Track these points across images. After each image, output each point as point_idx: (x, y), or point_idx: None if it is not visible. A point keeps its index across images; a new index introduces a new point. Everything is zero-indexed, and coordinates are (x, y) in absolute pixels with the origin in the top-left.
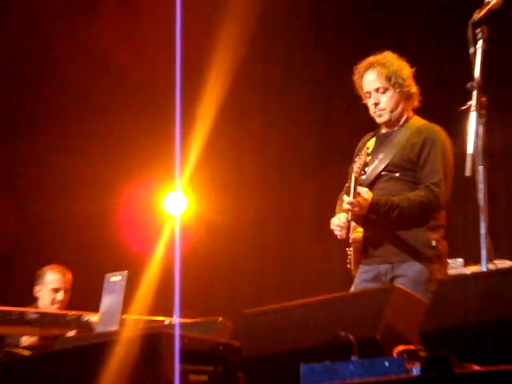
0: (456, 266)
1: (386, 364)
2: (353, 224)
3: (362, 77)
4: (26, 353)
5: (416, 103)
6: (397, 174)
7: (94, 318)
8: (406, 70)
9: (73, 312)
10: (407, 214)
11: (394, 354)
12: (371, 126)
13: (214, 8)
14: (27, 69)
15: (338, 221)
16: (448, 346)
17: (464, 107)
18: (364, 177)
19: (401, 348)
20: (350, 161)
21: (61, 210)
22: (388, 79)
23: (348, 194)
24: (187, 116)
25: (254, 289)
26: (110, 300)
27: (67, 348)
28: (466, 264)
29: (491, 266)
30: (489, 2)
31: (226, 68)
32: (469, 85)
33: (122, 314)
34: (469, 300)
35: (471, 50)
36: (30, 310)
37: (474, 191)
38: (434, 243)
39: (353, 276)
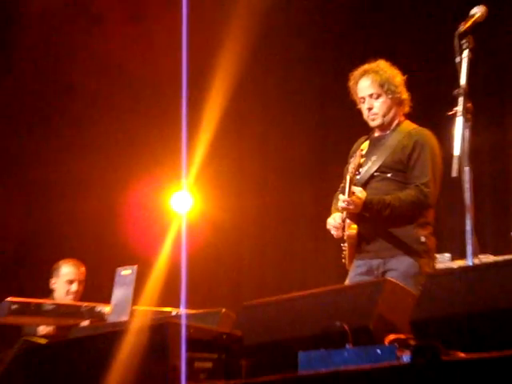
0: (443, 261)
1: (379, 352)
2: (347, 221)
3: (356, 83)
4: (43, 341)
5: (407, 108)
6: (389, 175)
7: (106, 309)
8: (397, 78)
9: (86, 303)
10: (398, 212)
11: (386, 343)
12: (365, 129)
13: (218, 19)
14: (42, 75)
15: (333, 221)
16: (436, 334)
17: (451, 112)
18: (358, 177)
19: (392, 337)
20: (345, 162)
21: (74, 209)
22: (381, 86)
23: (343, 194)
24: (193, 120)
25: (255, 282)
26: (120, 292)
27: (81, 337)
28: (453, 258)
29: (476, 261)
30: (474, 15)
31: (230, 76)
32: (455, 92)
33: (132, 305)
34: (455, 292)
35: (457, 60)
36: (46, 302)
37: (461, 191)
38: (423, 239)
39: (347, 270)
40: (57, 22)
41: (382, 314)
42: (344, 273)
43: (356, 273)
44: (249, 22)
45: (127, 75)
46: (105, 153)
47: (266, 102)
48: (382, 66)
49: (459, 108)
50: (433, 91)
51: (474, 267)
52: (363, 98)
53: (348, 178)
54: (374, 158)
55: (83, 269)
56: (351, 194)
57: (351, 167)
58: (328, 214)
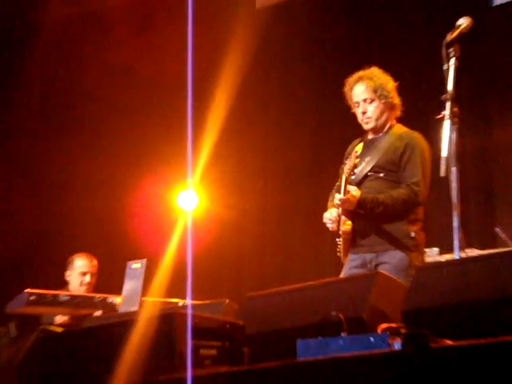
0: (432, 255)
1: (372, 340)
2: (343, 218)
3: (351, 89)
4: (59, 330)
5: (398, 113)
6: (381, 175)
7: (117, 299)
8: (390, 84)
9: (99, 295)
10: (391, 209)
11: (378, 331)
12: (359, 132)
13: (222, 27)
14: (54, 80)
15: (329, 215)
16: (425, 323)
17: (439, 116)
18: (353, 177)
19: (384, 326)
20: (341, 163)
21: (87, 207)
22: (374, 91)
23: (339, 192)
24: (198, 122)
25: (257, 275)
26: (131, 284)
27: (94, 326)
28: (441, 252)
29: (463, 255)
30: (460, 26)
31: (233, 80)
32: (443, 97)
33: (141, 296)
34: (443, 284)
35: (445, 67)
36: (62, 293)
37: (448, 189)
38: (413, 234)
39: (342, 263)
40: (71, 31)
41: (374, 305)
42: (339, 266)
43: (350, 266)
44: (251, 29)
45: (136, 79)
46: (115, 153)
47: (267, 105)
48: (376, 72)
49: (447, 112)
50: (422, 96)
51: (461, 260)
52: (358, 103)
53: (343, 177)
54: (367, 159)
55: (95, 262)
56: (346, 192)
57: (346, 168)
58: (324, 210)
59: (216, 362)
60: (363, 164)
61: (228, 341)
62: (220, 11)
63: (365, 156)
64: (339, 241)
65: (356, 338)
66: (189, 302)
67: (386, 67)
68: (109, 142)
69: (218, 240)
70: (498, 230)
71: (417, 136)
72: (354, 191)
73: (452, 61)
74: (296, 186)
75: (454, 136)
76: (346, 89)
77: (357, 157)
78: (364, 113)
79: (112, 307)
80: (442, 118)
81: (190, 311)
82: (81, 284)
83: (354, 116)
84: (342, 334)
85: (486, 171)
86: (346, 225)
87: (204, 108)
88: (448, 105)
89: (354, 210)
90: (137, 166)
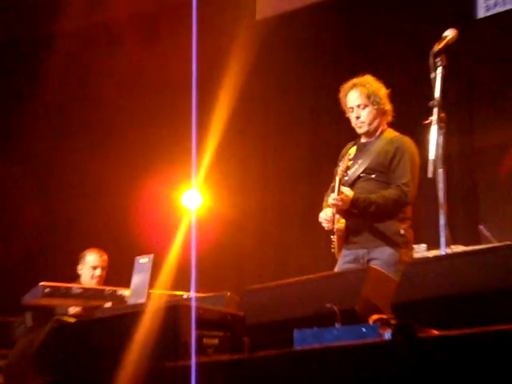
0: (420, 251)
1: (364, 330)
2: (337, 216)
3: (346, 95)
4: (72, 320)
5: (390, 118)
6: (373, 176)
7: (126, 292)
8: (382, 91)
9: (109, 287)
10: (383, 208)
11: (370, 322)
12: (353, 135)
13: (226, 33)
14: (65, 87)
15: (324, 215)
16: (414, 315)
17: (427, 121)
18: (346, 178)
19: (375, 317)
20: (335, 164)
21: (98, 205)
22: (368, 97)
23: (333, 192)
24: (202, 124)
25: (257, 269)
26: (139, 278)
27: (105, 316)
28: (429, 248)
29: (449, 251)
30: (446, 37)
31: (235, 86)
32: (430, 103)
33: (149, 289)
34: (431, 278)
35: (432, 75)
36: (74, 286)
37: (435, 189)
38: (402, 232)
39: (336, 259)
40: (82, 41)
41: (366, 298)
42: (333, 261)
43: (344, 261)
44: (252, 38)
45: (143, 85)
46: (123, 155)
47: (267, 109)
48: (369, 80)
49: (434, 117)
50: (411, 103)
51: (447, 256)
52: (352, 108)
53: (337, 178)
54: (360, 161)
55: (105, 257)
56: (340, 192)
57: (340, 169)
58: (320, 209)
59: (218, 350)
60: (356, 166)
61: (229, 331)
62: (222, 21)
63: (358, 158)
64: (333, 238)
65: (349, 328)
66: (193, 294)
67: (378, 75)
68: (117, 144)
69: (221, 237)
70: (481, 227)
71: (407, 140)
72: (348, 191)
73: (439, 70)
74: (293, 186)
75: (441, 140)
76: (341, 95)
77: (350, 159)
78: (358, 118)
79: (121, 299)
80: (430, 123)
81: (193, 303)
82: (92, 277)
83: (349, 121)
84: (336, 325)
85: (470, 173)
86: (340, 223)
87: (208, 110)
88: (435, 111)
89: (348, 209)
90: (144, 167)
